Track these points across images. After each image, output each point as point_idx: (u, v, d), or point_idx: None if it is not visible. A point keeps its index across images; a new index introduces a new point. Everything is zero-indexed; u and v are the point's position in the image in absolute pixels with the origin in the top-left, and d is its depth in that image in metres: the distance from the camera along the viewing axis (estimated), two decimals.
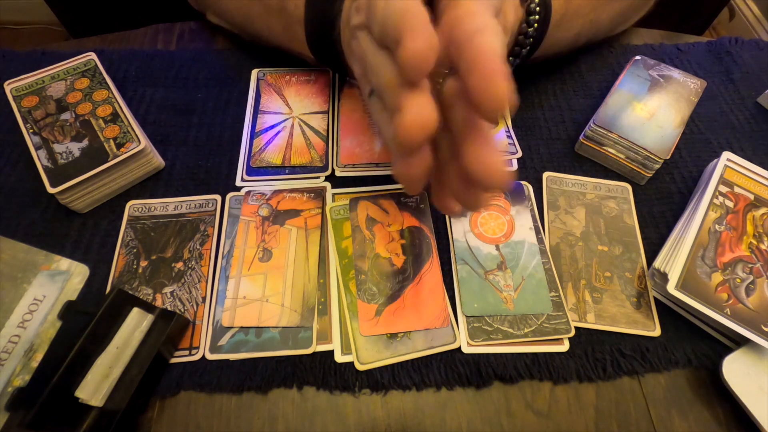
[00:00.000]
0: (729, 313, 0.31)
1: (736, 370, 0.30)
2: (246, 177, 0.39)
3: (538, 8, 0.34)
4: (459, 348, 0.32)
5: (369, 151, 0.40)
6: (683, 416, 0.30)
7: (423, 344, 0.32)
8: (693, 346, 0.32)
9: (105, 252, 0.35)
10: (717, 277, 0.32)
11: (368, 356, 0.31)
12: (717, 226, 0.34)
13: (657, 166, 0.38)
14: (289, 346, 0.31)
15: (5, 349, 0.29)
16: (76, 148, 0.35)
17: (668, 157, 0.37)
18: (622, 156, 0.39)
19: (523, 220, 0.37)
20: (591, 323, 0.33)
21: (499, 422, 0.30)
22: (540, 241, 0.36)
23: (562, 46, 0.42)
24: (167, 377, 0.30)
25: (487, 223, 0.37)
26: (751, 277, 0.32)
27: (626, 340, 0.32)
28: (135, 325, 0.30)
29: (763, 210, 0.35)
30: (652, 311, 0.33)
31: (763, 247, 0.34)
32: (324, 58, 0.39)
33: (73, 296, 0.33)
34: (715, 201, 0.35)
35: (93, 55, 0.41)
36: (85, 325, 0.28)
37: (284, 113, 0.42)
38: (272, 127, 0.41)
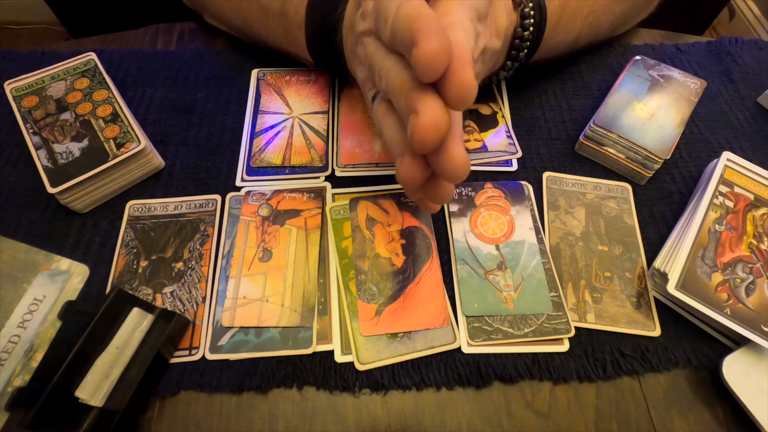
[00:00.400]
0: (729, 313, 0.31)
1: (736, 370, 0.30)
2: (246, 177, 0.39)
3: (532, 12, 0.34)
4: (459, 348, 0.32)
5: (369, 151, 0.40)
6: (683, 416, 0.30)
7: (423, 344, 0.32)
8: (693, 346, 0.32)
9: (105, 252, 0.35)
10: (717, 277, 0.32)
11: (368, 356, 0.31)
12: (717, 226, 0.34)
13: (657, 166, 0.38)
14: (289, 346, 0.31)
15: (5, 349, 0.29)
16: (76, 148, 0.35)
17: (668, 157, 0.37)
18: (622, 156, 0.39)
19: (523, 220, 0.37)
20: (591, 323, 0.33)
21: (499, 422, 0.30)
22: (540, 241, 0.36)
23: (562, 48, 0.42)
24: (167, 377, 0.30)
25: (487, 223, 0.37)
26: (751, 277, 0.32)
27: (626, 340, 0.32)
28: (135, 325, 0.30)
29: (763, 210, 0.35)
30: (652, 311, 0.33)
31: (763, 247, 0.34)
32: (323, 62, 0.39)
33: (73, 296, 0.33)
34: (715, 201, 0.35)
35: (93, 55, 0.41)
36: (85, 325, 0.28)
37: (284, 113, 0.42)
38: (272, 127, 0.41)
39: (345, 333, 0.32)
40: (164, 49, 0.48)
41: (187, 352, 0.31)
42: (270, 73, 0.45)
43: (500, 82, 0.44)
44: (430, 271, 0.34)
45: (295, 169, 0.39)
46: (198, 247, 0.35)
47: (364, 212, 0.37)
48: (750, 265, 0.33)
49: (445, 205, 0.37)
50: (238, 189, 0.38)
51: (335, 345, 0.32)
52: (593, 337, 0.33)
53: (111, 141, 0.36)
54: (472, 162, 0.40)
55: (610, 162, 0.40)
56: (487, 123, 0.42)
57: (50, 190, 0.33)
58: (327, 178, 0.39)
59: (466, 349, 0.32)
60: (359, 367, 0.31)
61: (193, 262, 0.34)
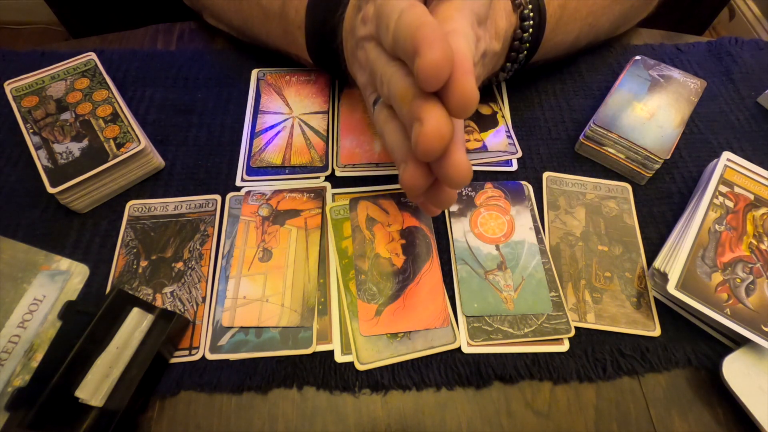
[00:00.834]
0: (729, 313, 0.31)
1: (736, 370, 0.30)
2: (246, 177, 0.39)
3: (532, 14, 0.34)
4: (459, 348, 0.32)
5: (369, 151, 0.40)
6: (683, 416, 0.30)
7: (423, 344, 0.32)
8: (693, 346, 0.32)
9: (105, 252, 0.35)
10: (717, 277, 0.32)
11: (368, 356, 0.31)
12: (717, 226, 0.34)
13: (657, 166, 0.38)
14: (289, 346, 0.31)
15: (5, 349, 0.29)
16: (76, 148, 0.35)
17: (668, 157, 0.37)
18: (622, 156, 0.39)
19: (523, 220, 0.37)
20: (591, 323, 0.33)
21: (499, 422, 0.30)
22: (540, 241, 0.36)
23: (561, 49, 0.42)
24: (167, 377, 0.30)
25: (487, 223, 0.37)
26: (751, 277, 0.32)
27: (626, 340, 0.32)
28: (135, 325, 0.30)
29: (763, 210, 0.35)
30: (652, 311, 0.33)
31: (763, 247, 0.34)
32: (323, 63, 0.39)
33: (73, 296, 0.33)
34: (715, 201, 0.35)
35: (93, 55, 0.41)
36: (85, 325, 0.28)
37: (284, 113, 0.42)
38: (272, 127, 0.41)
39: (345, 333, 0.32)
40: (164, 49, 0.48)
41: (187, 352, 0.31)
42: (270, 73, 0.45)
43: (500, 83, 0.44)
44: (430, 271, 0.34)
45: (295, 169, 0.39)
46: (198, 247, 0.35)
47: (364, 212, 0.37)
48: (750, 265, 0.33)
49: None
50: (238, 189, 0.38)
51: (335, 345, 0.32)
52: (593, 337, 0.33)
53: (111, 141, 0.36)
54: (472, 162, 0.40)
55: (610, 162, 0.40)
56: (487, 123, 0.42)
57: (50, 190, 0.33)
58: (327, 178, 0.39)
59: (466, 349, 0.32)
60: (359, 367, 0.31)
61: (193, 262, 0.34)
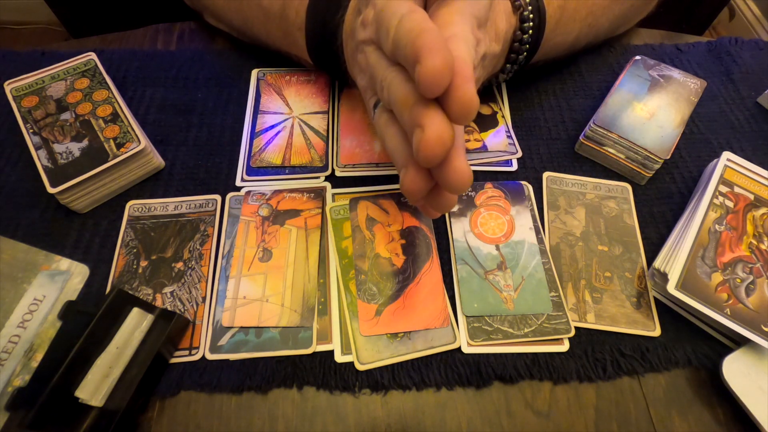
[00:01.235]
0: (729, 313, 0.31)
1: (736, 370, 0.30)
2: (246, 177, 0.39)
3: (531, 15, 0.34)
4: (459, 348, 0.32)
5: (369, 151, 0.40)
6: (683, 416, 0.30)
7: (423, 344, 0.32)
8: (693, 346, 0.32)
9: (105, 252, 0.35)
10: (717, 277, 0.32)
11: (368, 356, 0.31)
12: (717, 226, 0.34)
13: (657, 166, 0.38)
14: (289, 346, 0.31)
15: (5, 349, 0.29)
16: (76, 148, 0.35)
17: (668, 157, 0.37)
18: (622, 156, 0.39)
19: (523, 220, 0.37)
20: (591, 323, 0.33)
21: (499, 422, 0.30)
22: (540, 241, 0.36)
23: (561, 50, 0.42)
24: (167, 377, 0.30)
25: (487, 223, 0.37)
26: (751, 277, 0.32)
27: (626, 340, 0.32)
28: (135, 325, 0.30)
29: (763, 210, 0.35)
30: (652, 311, 0.33)
31: (763, 247, 0.34)
32: (324, 65, 0.39)
33: (73, 296, 0.33)
34: (715, 201, 0.35)
35: (93, 55, 0.41)
36: (85, 325, 0.28)
37: (284, 113, 0.42)
38: (272, 127, 0.41)
39: (345, 333, 0.32)
40: (164, 49, 0.48)
41: (187, 352, 0.31)
42: (270, 73, 0.45)
43: (500, 83, 0.44)
44: (430, 271, 0.34)
45: (295, 169, 0.39)
46: (198, 247, 0.35)
47: (364, 212, 0.37)
48: (750, 265, 0.33)
49: None
50: (238, 189, 0.38)
51: (335, 345, 0.32)
52: (593, 337, 0.33)
53: (111, 141, 0.36)
54: (472, 162, 0.40)
55: (610, 162, 0.40)
56: (487, 123, 0.42)
57: (50, 190, 0.33)
58: (327, 178, 0.39)
59: (466, 349, 0.32)
60: (359, 367, 0.31)
61: (193, 262, 0.34)
